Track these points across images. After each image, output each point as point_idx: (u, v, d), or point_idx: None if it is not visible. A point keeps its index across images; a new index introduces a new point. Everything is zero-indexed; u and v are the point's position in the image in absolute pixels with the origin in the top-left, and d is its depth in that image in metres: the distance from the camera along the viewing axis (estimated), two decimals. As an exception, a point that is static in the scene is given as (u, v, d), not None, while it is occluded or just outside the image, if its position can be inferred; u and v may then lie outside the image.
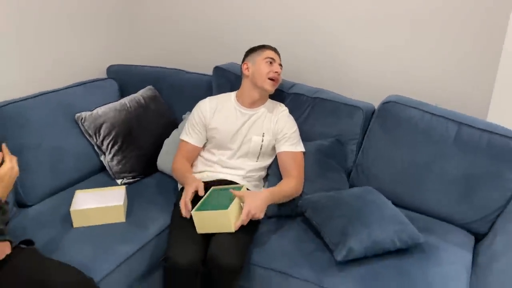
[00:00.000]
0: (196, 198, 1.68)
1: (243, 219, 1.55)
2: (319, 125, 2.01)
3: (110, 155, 2.05)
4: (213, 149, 1.92)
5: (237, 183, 1.84)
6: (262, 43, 1.93)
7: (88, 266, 1.47)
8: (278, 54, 1.91)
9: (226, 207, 1.55)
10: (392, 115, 1.89)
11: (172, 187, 2.02)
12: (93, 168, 2.10)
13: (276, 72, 1.85)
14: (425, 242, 1.63)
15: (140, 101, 2.20)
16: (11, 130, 1.79)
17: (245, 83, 1.91)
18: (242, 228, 1.58)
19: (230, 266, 1.49)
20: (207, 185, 1.77)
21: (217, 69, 2.21)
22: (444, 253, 1.63)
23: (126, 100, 2.18)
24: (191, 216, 1.61)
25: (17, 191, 1.81)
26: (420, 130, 1.83)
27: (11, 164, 1.28)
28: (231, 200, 1.60)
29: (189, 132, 1.92)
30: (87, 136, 2.06)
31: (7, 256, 1.36)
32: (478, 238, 1.79)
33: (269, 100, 1.95)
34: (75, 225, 1.71)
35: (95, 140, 2.05)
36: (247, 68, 1.89)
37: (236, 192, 1.62)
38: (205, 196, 1.67)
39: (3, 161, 1.27)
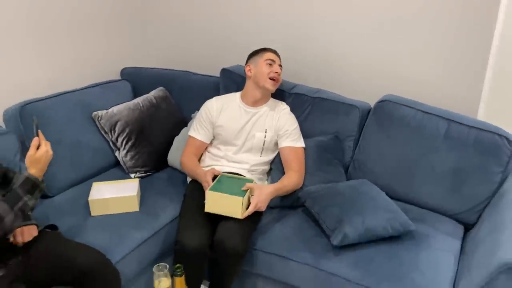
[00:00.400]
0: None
1: (250, 210, 1.70)
2: (318, 123, 2.13)
3: (124, 151, 2.19)
4: (219, 145, 2.06)
5: (243, 175, 1.97)
6: (265, 47, 2.06)
7: (105, 250, 1.58)
8: (278, 56, 2.04)
9: (240, 194, 1.69)
10: (387, 114, 2.01)
11: (181, 181, 2.15)
12: (108, 163, 2.23)
13: (276, 72, 1.97)
14: (416, 231, 1.75)
15: (152, 101, 2.34)
16: (32, 128, 1.92)
17: (248, 84, 2.04)
18: (247, 217, 1.72)
19: (234, 250, 1.63)
20: (215, 178, 1.90)
21: (224, 71, 2.33)
22: (434, 240, 1.74)
23: (139, 100, 2.32)
24: (199, 205, 1.75)
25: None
26: (413, 127, 1.94)
27: (46, 147, 1.45)
28: (241, 189, 1.74)
29: (197, 128, 2.06)
30: (103, 133, 2.20)
31: (35, 238, 1.52)
32: (468, 228, 1.89)
33: (271, 99, 2.08)
34: (93, 213, 1.85)
35: (110, 136, 2.20)
36: (250, 69, 2.02)
37: (249, 185, 1.76)
38: (217, 179, 1.82)
39: (38, 146, 1.44)
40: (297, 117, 2.09)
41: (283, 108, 2.08)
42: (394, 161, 1.98)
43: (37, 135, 1.45)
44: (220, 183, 1.80)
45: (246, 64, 2.06)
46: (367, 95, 2.19)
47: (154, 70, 2.60)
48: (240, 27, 2.50)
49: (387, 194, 1.87)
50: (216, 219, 1.75)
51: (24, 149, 1.93)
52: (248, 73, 2.03)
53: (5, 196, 1.37)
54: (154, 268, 1.26)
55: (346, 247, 1.67)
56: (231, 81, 2.30)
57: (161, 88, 2.46)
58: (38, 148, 1.43)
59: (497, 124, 1.88)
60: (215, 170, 1.88)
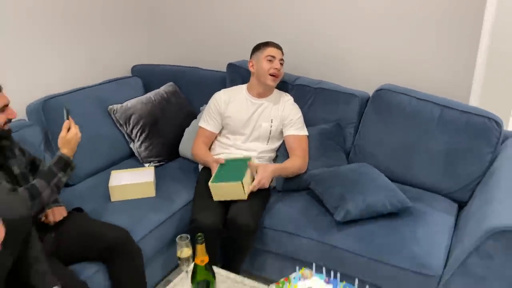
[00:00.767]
0: None
1: (254, 185, 1.84)
2: (321, 112, 2.26)
3: (139, 142, 2.33)
4: (228, 134, 2.19)
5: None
6: (267, 41, 2.16)
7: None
8: (280, 49, 2.13)
9: (239, 178, 1.82)
10: (384, 101, 2.13)
11: (192, 169, 2.29)
12: (124, 154, 2.37)
13: (276, 68, 2.08)
14: (414, 208, 1.87)
15: (163, 95, 2.47)
16: (54, 120, 2.07)
17: (252, 78, 2.17)
18: (256, 196, 1.86)
19: (246, 225, 1.77)
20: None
21: (230, 65, 2.46)
22: (430, 216, 1.87)
23: (151, 94, 2.46)
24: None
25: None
26: (409, 113, 2.07)
27: (75, 130, 1.59)
28: (243, 170, 1.87)
29: (206, 119, 2.19)
30: (118, 126, 2.34)
31: (64, 218, 1.66)
32: (462, 206, 2.01)
33: (276, 90, 2.21)
34: (112, 199, 1.98)
35: (125, 129, 2.33)
36: (252, 65, 2.14)
37: (252, 164, 1.89)
38: (217, 168, 1.94)
39: (68, 129, 1.59)
40: (301, 107, 2.21)
41: (287, 99, 2.21)
42: (392, 145, 2.10)
43: (68, 119, 1.59)
44: (221, 171, 1.92)
45: (250, 59, 2.18)
46: (366, 85, 2.31)
47: (164, 66, 2.72)
48: (245, 23, 2.62)
49: (386, 176, 1.98)
50: (228, 201, 1.89)
51: (47, 140, 2.08)
52: (251, 69, 2.15)
53: (40, 173, 1.51)
54: (177, 239, 1.39)
55: (349, 223, 1.80)
56: (237, 74, 2.42)
57: (170, 83, 2.58)
58: (68, 130, 1.57)
59: (487, 109, 2.00)
60: (222, 160, 2.00)
